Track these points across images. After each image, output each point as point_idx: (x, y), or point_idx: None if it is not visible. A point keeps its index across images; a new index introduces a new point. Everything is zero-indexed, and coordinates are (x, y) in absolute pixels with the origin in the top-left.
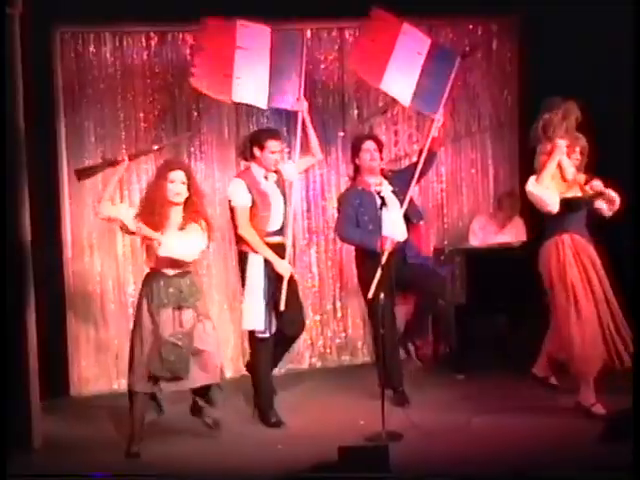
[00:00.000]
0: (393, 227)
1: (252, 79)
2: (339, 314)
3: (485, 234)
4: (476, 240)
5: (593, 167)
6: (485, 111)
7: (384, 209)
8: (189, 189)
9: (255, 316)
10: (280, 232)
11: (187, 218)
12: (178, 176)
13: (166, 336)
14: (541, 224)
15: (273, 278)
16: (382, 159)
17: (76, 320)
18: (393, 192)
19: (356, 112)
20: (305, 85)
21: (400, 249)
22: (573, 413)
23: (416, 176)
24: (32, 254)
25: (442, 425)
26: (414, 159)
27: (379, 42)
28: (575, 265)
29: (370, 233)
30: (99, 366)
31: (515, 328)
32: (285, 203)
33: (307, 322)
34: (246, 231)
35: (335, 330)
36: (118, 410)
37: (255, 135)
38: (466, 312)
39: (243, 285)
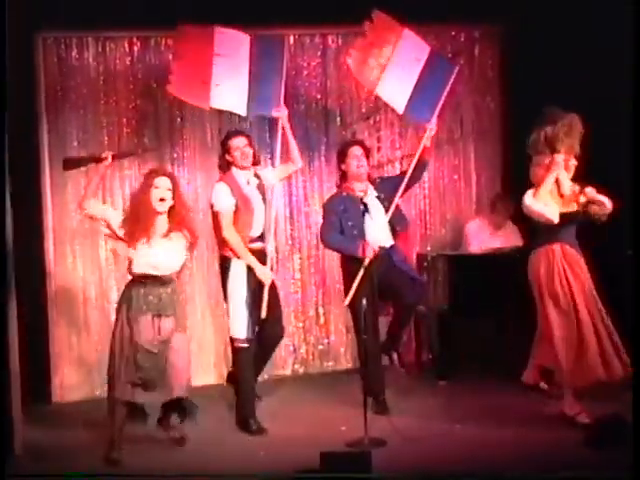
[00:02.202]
0: (377, 233)
1: (231, 86)
2: (322, 320)
3: (480, 237)
4: (471, 243)
5: (586, 172)
6: (468, 117)
7: (367, 215)
8: (174, 197)
9: (238, 324)
10: (261, 238)
11: (171, 227)
12: (163, 182)
13: (143, 343)
14: (532, 230)
15: (254, 284)
16: (369, 164)
17: (58, 326)
18: (379, 198)
19: (339, 119)
20: (287, 91)
21: (386, 255)
22: (558, 418)
23: (404, 184)
24: (14, 259)
25: (425, 431)
26: (397, 165)
27: (378, 46)
28: (564, 276)
29: (353, 239)
30: (81, 373)
31: (498, 334)
32: (266, 208)
33: (290, 328)
34: (230, 234)
35: (318, 336)
36: (100, 417)
37: (222, 142)
38: (448, 318)
39: (225, 291)
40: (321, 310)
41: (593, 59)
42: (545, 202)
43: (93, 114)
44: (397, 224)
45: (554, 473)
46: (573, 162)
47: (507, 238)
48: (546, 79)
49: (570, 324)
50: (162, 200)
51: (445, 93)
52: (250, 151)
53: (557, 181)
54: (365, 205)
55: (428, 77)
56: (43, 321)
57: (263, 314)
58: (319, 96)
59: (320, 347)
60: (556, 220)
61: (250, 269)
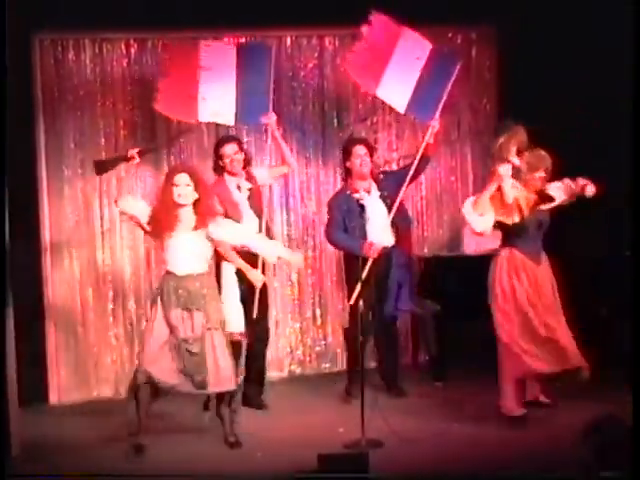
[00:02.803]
0: (379, 233)
1: (218, 98)
2: (319, 321)
3: (479, 237)
4: (469, 242)
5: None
6: (464, 119)
7: (369, 215)
8: (196, 190)
9: (234, 319)
10: None
11: (198, 220)
12: (182, 179)
13: (179, 339)
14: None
15: (246, 285)
16: (373, 163)
17: (55, 327)
18: (382, 197)
19: (336, 120)
20: (284, 93)
21: (387, 257)
22: (554, 418)
23: (407, 181)
24: (10, 260)
25: (422, 432)
26: (394, 166)
27: (378, 48)
28: (508, 281)
29: (356, 239)
30: (78, 374)
31: (495, 335)
32: (258, 212)
33: (286, 330)
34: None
35: (315, 338)
36: (97, 418)
37: (214, 148)
38: (444, 319)
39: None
40: (318, 311)
41: (591, 60)
42: (482, 211)
43: (90, 116)
44: (401, 222)
45: (553, 473)
46: (540, 174)
47: None
48: (543, 80)
49: (513, 325)
50: (181, 196)
51: (448, 88)
52: (241, 157)
53: (501, 191)
54: (363, 207)
55: (430, 74)
56: (40, 322)
57: (254, 315)
58: (316, 97)
59: (317, 348)
60: (486, 231)
61: (241, 271)
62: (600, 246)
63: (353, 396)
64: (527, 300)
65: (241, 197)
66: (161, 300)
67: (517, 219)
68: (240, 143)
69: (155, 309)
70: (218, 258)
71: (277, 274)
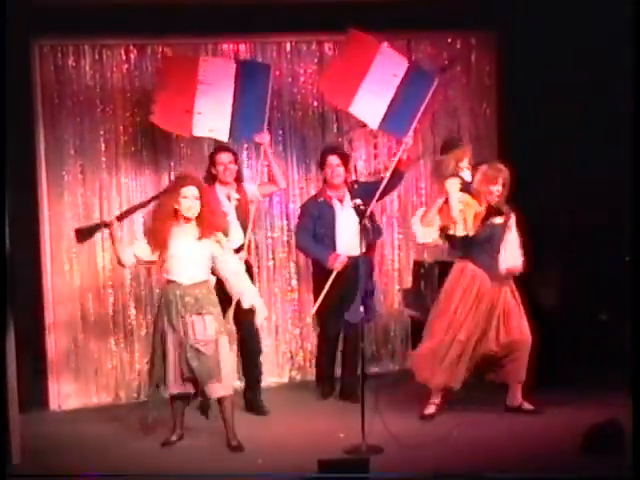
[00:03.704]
0: (348, 243)
1: (214, 113)
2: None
3: None
4: None
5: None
6: (464, 124)
7: (339, 223)
8: (201, 204)
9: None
10: (238, 250)
11: (202, 232)
12: (191, 192)
13: (192, 343)
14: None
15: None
16: (347, 171)
17: (55, 334)
18: (355, 207)
19: (335, 125)
20: (284, 98)
21: (354, 266)
22: (555, 422)
23: (378, 194)
24: (11, 267)
25: (422, 438)
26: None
27: (353, 63)
28: (458, 290)
29: (324, 247)
30: (79, 380)
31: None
32: (244, 224)
33: (286, 335)
34: None
35: (314, 343)
36: (98, 424)
37: (210, 155)
38: None
39: None
40: None
41: (591, 60)
42: (429, 223)
43: (90, 122)
44: (370, 233)
45: (552, 474)
46: (497, 187)
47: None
48: (543, 85)
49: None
50: (190, 209)
51: (423, 107)
52: (234, 168)
53: (448, 204)
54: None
55: (405, 91)
56: (40, 329)
57: (230, 322)
58: (316, 103)
59: None
60: (428, 243)
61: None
62: (600, 247)
63: (324, 397)
64: (461, 314)
65: (229, 207)
66: (166, 310)
67: (462, 232)
68: (235, 154)
69: (161, 321)
70: None
71: (277, 279)
